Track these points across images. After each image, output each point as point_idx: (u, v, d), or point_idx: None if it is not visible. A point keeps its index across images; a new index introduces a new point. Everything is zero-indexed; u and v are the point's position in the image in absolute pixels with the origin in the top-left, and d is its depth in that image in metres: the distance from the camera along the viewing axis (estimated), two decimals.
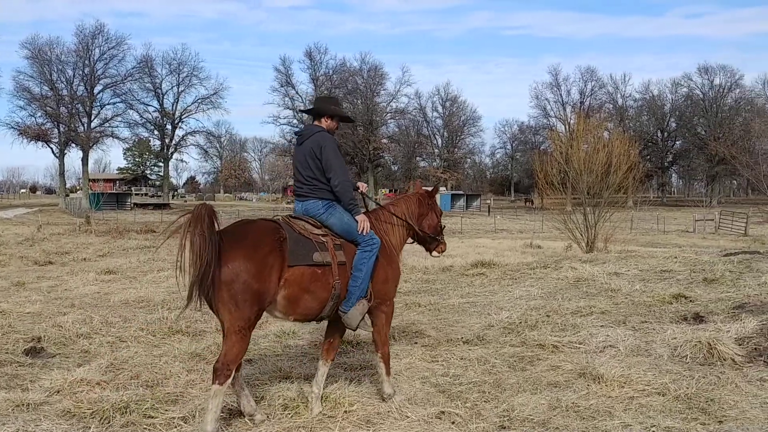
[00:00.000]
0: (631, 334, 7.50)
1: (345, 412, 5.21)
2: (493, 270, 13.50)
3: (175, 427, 4.98)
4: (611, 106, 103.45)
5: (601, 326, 7.93)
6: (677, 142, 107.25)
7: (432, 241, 6.54)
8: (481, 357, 6.88)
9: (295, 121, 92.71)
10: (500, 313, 8.96)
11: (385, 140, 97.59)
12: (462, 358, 6.86)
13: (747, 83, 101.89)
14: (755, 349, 6.74)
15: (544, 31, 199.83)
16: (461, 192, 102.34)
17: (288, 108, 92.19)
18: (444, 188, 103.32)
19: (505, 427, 4.98)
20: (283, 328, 8.09)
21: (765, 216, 30.77)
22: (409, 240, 6.45)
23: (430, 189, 6.78)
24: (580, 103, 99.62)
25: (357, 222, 5.71)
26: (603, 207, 21.75)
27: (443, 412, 5.24)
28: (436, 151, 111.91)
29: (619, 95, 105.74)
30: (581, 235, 21.53)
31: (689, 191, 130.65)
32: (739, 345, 6.80)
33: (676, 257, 13.52)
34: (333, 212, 5.75)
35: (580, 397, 5.55)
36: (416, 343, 7.71)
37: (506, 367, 6.56)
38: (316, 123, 6.05)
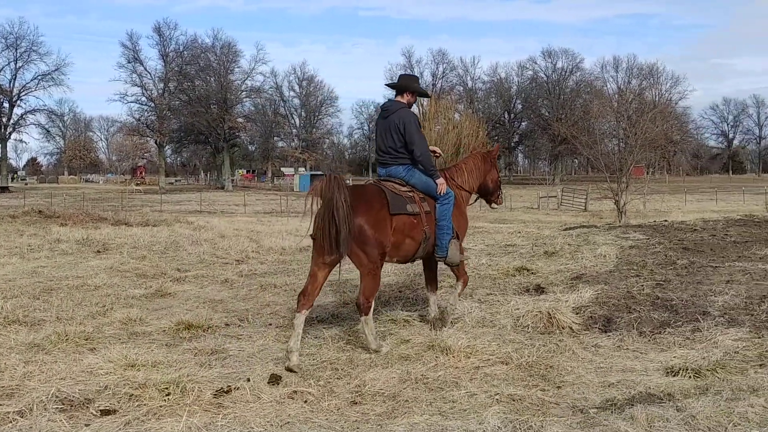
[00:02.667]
0: (477, 306, 7.80)
1: (195, 397, 5.06)
2: None
3: (11, 421, 4.64)
4: (462, 88, 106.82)
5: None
6: (523, 123, 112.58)
7: (493, 193, 8.02)
8: (335, 335, 6.92)
9: (144, 98, 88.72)
10: (355, 290, 9.03)
11: (240, 119, 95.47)
12: (316, 337, 6.87)
13: (587, 66, 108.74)
14: (591, 317, 7.21)
15: (399, 13, 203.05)
16: (320, 172, 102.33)
17: (136, 85, 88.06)
18: (303, 169, 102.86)
19: (356, 403, 5.03)
20: (130, 315, 7.76)
21: (602, 193, 32.94)
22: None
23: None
24: (433, 85, 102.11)
25: (436, 184, 6.94)
26: None
27: (296, 392, 5.22)
28: (294, 131, 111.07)
29: (469, 77, 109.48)
30: None
31: (534, 170, 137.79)
32: (577, 314, 7.24)
33: (520, 232, 14.21)
34: (413, 173, 6.97)
35: (429, 369, 5.71)
36: (271, 324, 7.65)
37: (359, 343, 6.64)
38: (398, 98, 7.13)
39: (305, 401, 5.06)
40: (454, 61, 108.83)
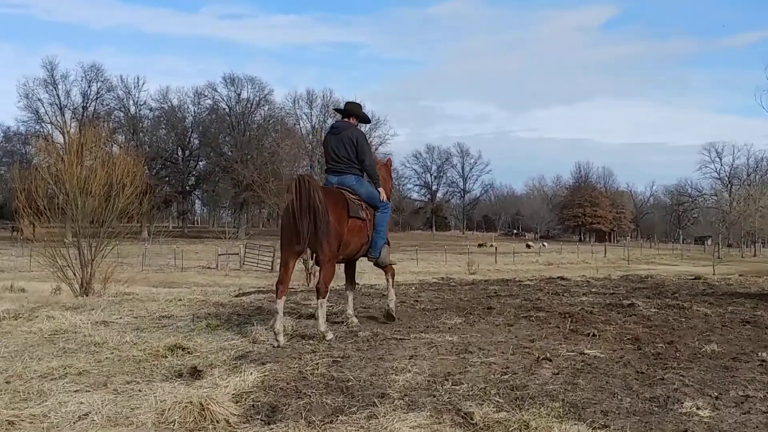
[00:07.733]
0: (112, 398, 7.41)
1: None
2: None
3: None
4: (123, 114, 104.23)
5: (76, 391, 7.69)
6: (201, 163, 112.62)
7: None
8: None
9: None
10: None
11: None
12: None
13: (278, 100, 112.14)
14: (253, 405, 7.19)
15: (47, 14, 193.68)
16: None
17: None
18: None
19: None
20: None
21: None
22: None
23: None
24: (83, 107, 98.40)
25: (379, 192, 10.10)
26: (104, 238, 21.47)
27: None
28: None
29: (132, 102, 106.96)
30: (74, 274, 20.97)
31: (215, 221, 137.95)
32: (237, 402, 7.18)
33: (180, 299, 13.95)
34: (362, 184, 9.92)
35: None
36: None
37: None
38: (345, 120, 10.30)
39: None
40: (112, 80, 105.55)
